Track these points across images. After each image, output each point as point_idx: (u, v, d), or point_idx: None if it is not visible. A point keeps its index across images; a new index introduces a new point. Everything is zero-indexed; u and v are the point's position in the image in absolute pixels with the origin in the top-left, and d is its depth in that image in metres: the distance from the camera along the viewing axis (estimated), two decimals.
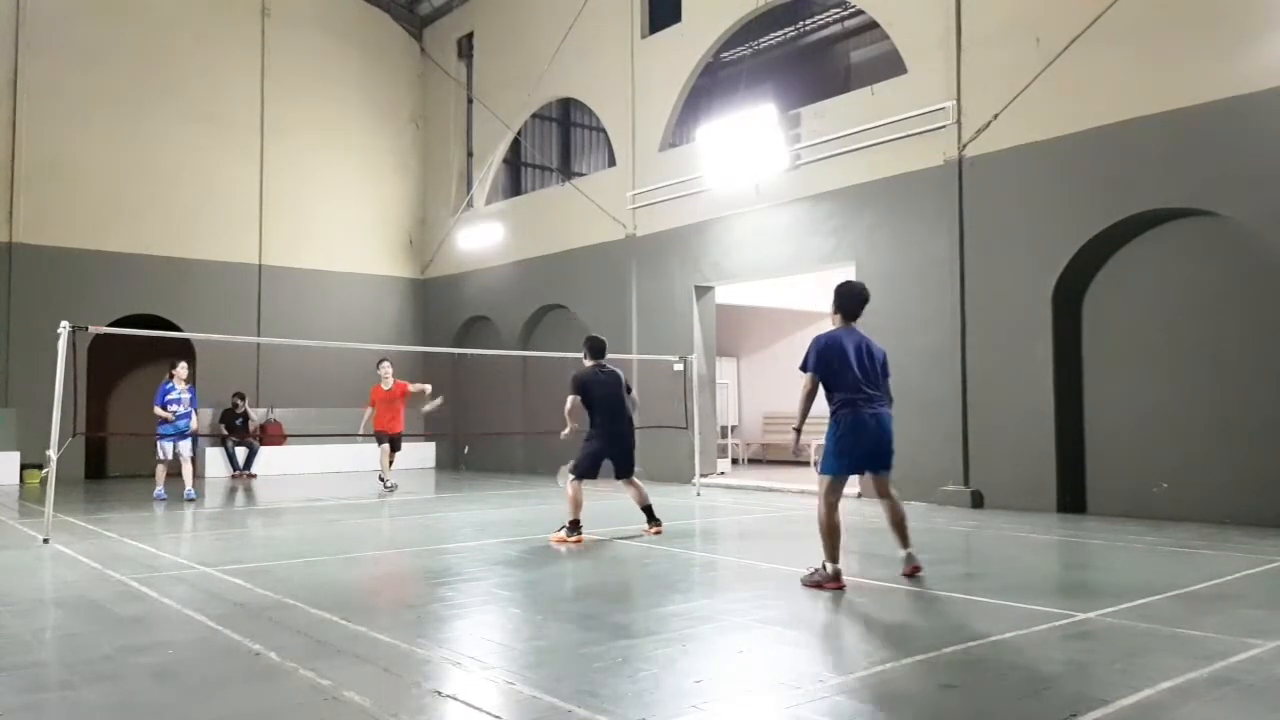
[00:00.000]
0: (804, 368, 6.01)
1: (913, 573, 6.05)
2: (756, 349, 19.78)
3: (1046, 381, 10.11)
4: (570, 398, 8.42)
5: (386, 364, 13.43)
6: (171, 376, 12.23)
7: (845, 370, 5.94)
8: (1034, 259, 10.27)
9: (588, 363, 8.48)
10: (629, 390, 8.56)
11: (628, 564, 6.93)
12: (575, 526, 7.90)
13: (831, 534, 5.85)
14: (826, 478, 5.98)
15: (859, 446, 5.92)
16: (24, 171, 15.74)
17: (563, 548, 7.60)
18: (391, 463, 13.76)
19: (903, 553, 6.12)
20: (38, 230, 15.79)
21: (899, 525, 6.13)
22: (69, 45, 16.20)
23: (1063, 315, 10.18)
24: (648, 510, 8.43)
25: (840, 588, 5.72)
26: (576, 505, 7.96)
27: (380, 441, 13.23)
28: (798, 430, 6.07)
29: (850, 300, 6.16)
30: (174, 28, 17.29)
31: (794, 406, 6.04)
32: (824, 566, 5.83)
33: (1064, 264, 10.04)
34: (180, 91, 17.25)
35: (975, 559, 7.51)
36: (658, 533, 8.28)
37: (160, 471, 12.21)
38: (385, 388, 13.28)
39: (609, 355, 8.73)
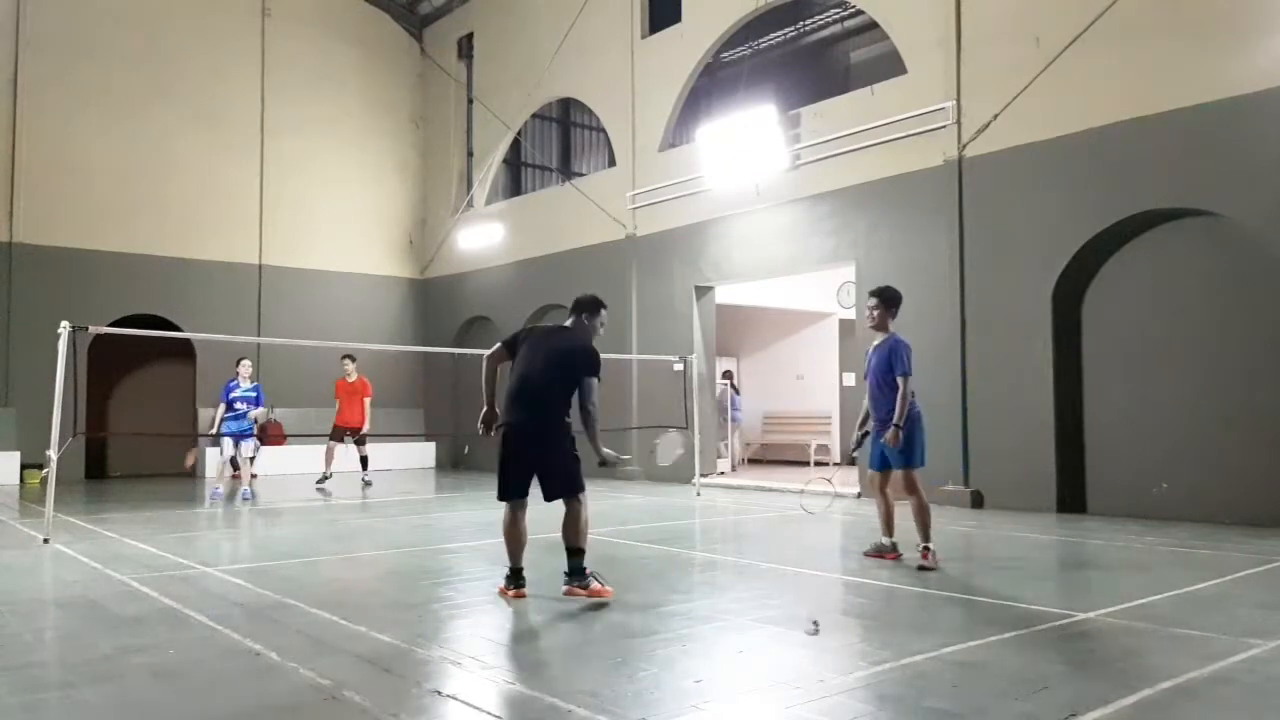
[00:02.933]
0: (908, 372, 6.64)
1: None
2: (756, 349, 19.78)
3: (1046, 381, 10.11)
4: (493, 349, 5.92)
5: (350, 359, 13.37)
6: (237, 374, 12.22)
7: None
8: (1034, 259, 10.27)
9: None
10: (586, 383, 5.53)
11: (627, 564, 6.93)
12: (514, 576, 5.57)
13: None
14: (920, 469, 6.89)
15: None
16: (24, 171, 15.74)
17: (504, 599, 5.53)
18: (365, 460, 13.65)
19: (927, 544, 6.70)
20: (38, 230, 15.78)
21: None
22: (69, 45, 16.20)
23: (1063, 315, 10.17)
24: (571, 554, 5.48)
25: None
26: (509, 543, 5.58)
27: (336, 438, 13.06)
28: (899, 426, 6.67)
29: (899, 302, 6.92)
30: (174, 28, 17.29)
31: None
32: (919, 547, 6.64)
33: (1064, 264, 10.04)
34: (180, 91, 17.25)
35: (975, 559, 7.51)
36: (570, 594, 5.44)
37: (223, 469, 12.24)
38: (350, 380, 13.13)
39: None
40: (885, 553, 6.91)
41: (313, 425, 17.38)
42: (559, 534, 5.55)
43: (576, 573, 5.46)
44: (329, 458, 13.21)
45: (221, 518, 10.57)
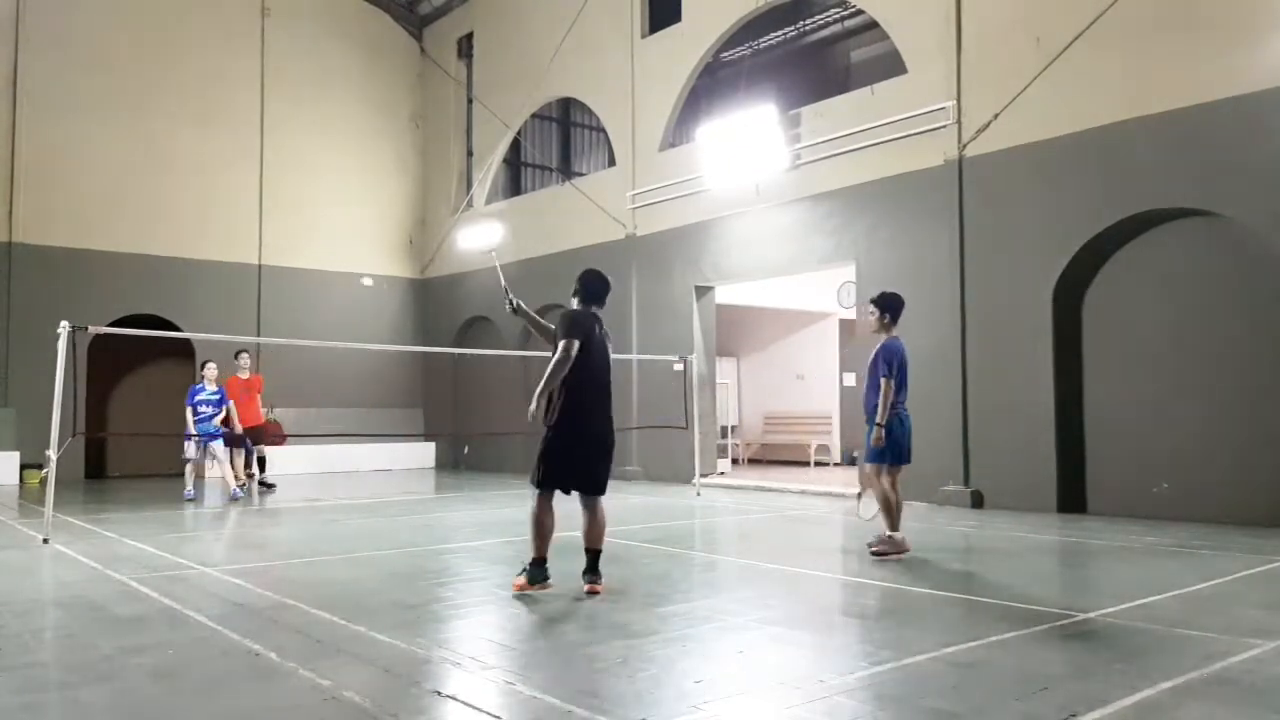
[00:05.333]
0: (887, 376, 6.99)
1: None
2: (756, 349, 19.78)
3: (1046, 381, 10.10)
4: (563, 343, 5.50)
5: (245, 355, 13.15)
6: (202, 378, 12.26)
7: (906, 377, 7.13)
8: (1034, 259, 10.27)
9: (576, 305, 5.87)
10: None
11: (628, 564, 6.93)
12: (539, 567, 5.59)
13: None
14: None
15: (906, 443, 7.12)
16: (24, 171, 15.73)
17: (525, 594, 5.53)
18: (263, 461, 13.38)
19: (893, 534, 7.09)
20: (38, 230, 15.78)
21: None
22: (69, 45, 16.19)
23: (1063, 315, 10.17)
24: (596, 556, 5.68)
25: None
26: (539, 532, 5.57)
27: (232, 441, 12.57)
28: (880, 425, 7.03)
29: (898, 309, 7.26)
30: (174, 27, 17.29)
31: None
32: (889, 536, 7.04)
33: (1064, 264, 10.04)
34: (180, 91, 17.25)
35: (975, 559, 7.51)
36: (593, 591, 5.57)
37: (189, 472, 12.19)
38: (243, 378, 12.85)
39: None
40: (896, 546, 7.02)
41: (311, 425, 17.43)
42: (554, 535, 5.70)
43: (598, 571, 5.66)
44: (232, 466, 12.71)
45: (221, 518, 10.57)
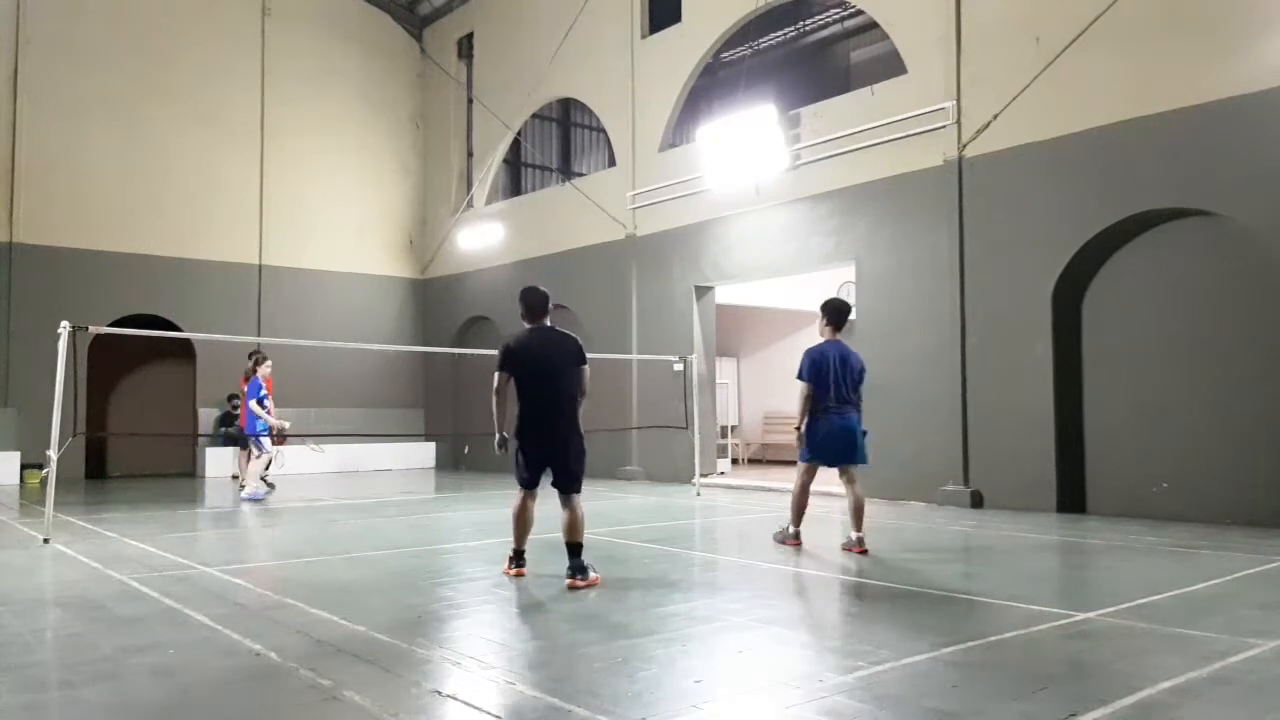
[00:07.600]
0: (799, 377, 7.43)
1: (860, 552, 7.20)
2: (756, 349, 19.78)
3: (1046, 381, 10.11)
4: (496, 375, 6.17)
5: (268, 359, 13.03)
6: (255, 374, 12.15)
7: (828, 379, 7.38)
8: (1034, 259, 10.27)
9: (525, 325, 6.33)
10: (580, 366, 6.25)
11: (628, 564, 6.94)
12: (516, 556, 6.34)
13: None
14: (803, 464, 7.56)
15: (831, 443, 7.35)
16: (24, 171, 15.74)
17: (525, 593, 5.95)
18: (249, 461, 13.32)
19: (855, 535, 7.33)
20: (38, 230, 15.79)
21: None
22: (69, 45, 16.21)
23: (1063, 315, 10.17)
24: (574, 550, 6.02)
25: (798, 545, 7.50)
26: (514, 526, 6.30)
27: (281, 439, 12.58)
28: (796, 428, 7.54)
29: (837, 315, 7.57)
30: (174, 28, 17.30)
31: (794, 406, 7.55)
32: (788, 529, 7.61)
33: (1064, 264, 10.04)
34: (180, 91, 17.26)
35: (975, 559, 7.51)
36: (573, 586, 5.86)
37: (256, 465, 12.10)
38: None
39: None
40: (852, 546, 7.29)
41: (311, 426, 17.43)
42: (558, 534, 6.14)
43: (580, 568, 5.98)
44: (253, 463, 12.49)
45: (221, 518, 10.57)
